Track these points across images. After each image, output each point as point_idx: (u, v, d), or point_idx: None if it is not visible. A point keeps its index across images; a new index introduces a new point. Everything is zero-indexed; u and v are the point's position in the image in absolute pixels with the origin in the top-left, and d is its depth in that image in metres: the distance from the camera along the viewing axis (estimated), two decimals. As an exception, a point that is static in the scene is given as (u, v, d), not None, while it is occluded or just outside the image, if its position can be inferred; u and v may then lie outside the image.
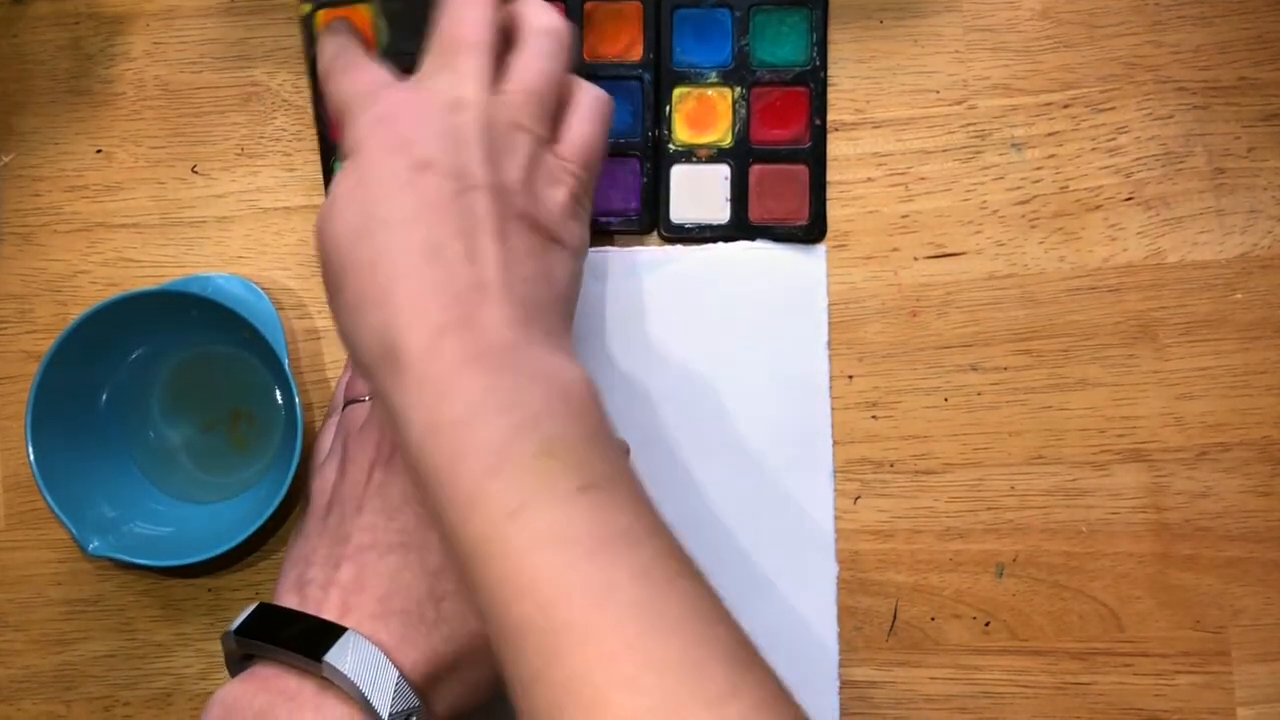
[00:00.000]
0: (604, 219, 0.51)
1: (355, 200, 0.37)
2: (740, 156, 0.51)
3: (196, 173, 0.52)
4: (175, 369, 0.52)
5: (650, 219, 0.51)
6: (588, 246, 0.42)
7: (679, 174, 0.51)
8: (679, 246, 0.51)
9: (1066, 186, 0.51)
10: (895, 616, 0.50)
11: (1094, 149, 0.51)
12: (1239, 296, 0.50)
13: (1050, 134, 0.51)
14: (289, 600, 0.41)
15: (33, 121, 0.53)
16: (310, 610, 0.40)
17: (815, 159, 0.51)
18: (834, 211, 0.51)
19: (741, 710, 0.32)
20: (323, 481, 0.45)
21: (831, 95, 0.51)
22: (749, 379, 0.50)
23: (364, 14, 0.52)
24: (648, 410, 0.50)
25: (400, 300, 0.36)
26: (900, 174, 0.51)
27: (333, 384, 0.51)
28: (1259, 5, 0.51)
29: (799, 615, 0.49)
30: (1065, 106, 0.51)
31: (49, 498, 0.47)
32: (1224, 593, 0.49)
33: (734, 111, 0.51)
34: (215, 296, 0.48)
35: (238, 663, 0.41)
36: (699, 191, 0.51)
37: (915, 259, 0.51)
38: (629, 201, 0.51)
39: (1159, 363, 0.50)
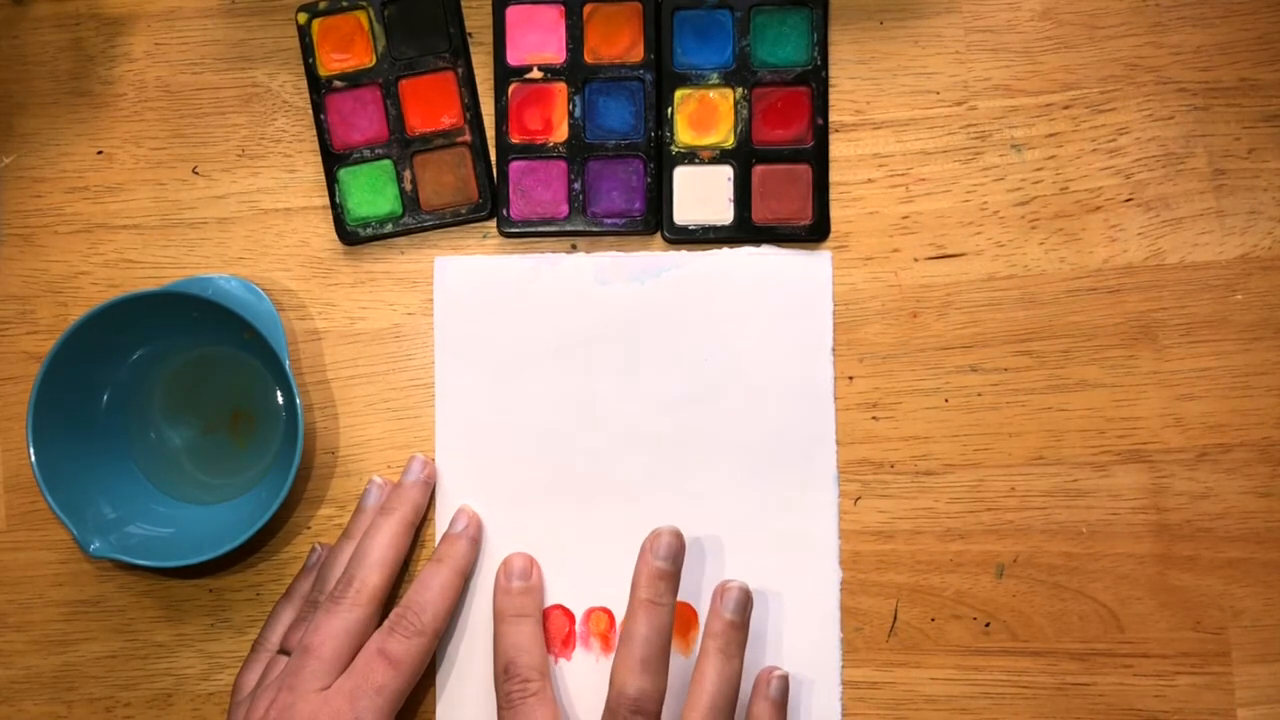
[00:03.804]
0: (608, 221, 0.51)
1: None
2: (743, 157, 0.51)
3: (197, 174, 0.52)
4: (176, 370, 0.52)
5: (654, 221, 0.51)
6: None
7: (682, 175, 0.51)
8: (684, 251, 0.51)
9: (1067, 187, 0.51)
10: (896, 617, 0.50)
11: (1094, 150, 0.51)
12: (1239, 297, 0.50)
13: (1050, 135, 0.51)
14: None
15: (34, 123, 0.53)
16: None
17: (818, 159, 0.51)
18: (834, 212, 0.51)
19: None
20: None
21: (831, 96, 0.51)
22: (754, 383, 0.50)
23: (360, 19, 0.52)
24: (653, 413, 0.50)
25: None
26: (900, 175, 0.51)
27: (333, 385, 0.51)
28: (1260, 6, 0.51)
29: (801, 616, 0.49)
30: (1066, 107, 0.51)
31: (50, 499, 0.47)
32: (1224, 594, 0.49)
33: (736, 112, 0.51)
34: (216, 297, 0.48)
35: None
36: (702, 193, 0.51)
37: (915, 260, 0.51)
38: (632, 203, 0.51)
39: (1159, 364, 0.50)
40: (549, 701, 0.46)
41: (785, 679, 0.48)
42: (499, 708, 0.46)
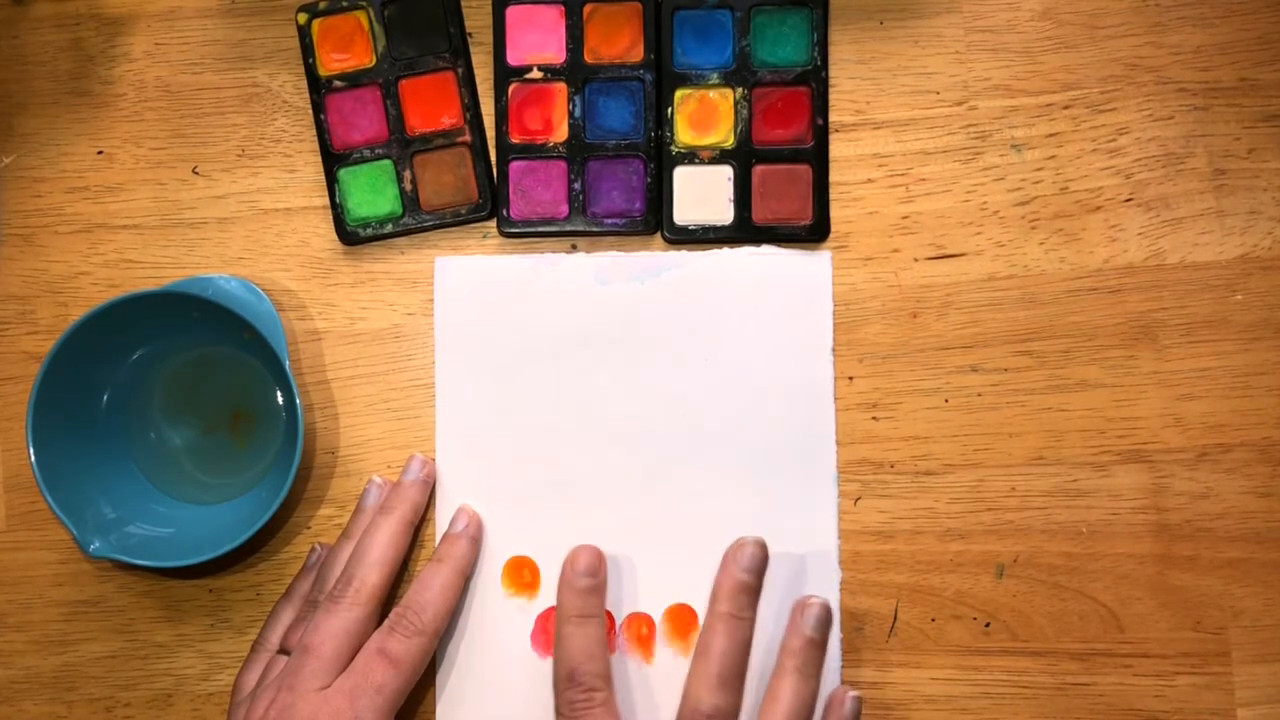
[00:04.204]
0: (608, 221, 0.51)
1: None
2: (743, 157, 0.51)
3: (197, 174, 0.52)
4: (176, 370, 0.52)
5: (654, 221, 0.51)
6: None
7: (682, 175, 0.51)
8: (684, 251, 0.51)
9: (1067, 187, 0.51)
10: (896, 617, 0.50)
11: (1094, 150, 0.51)
12: (1239, 297, 0.50)
13: (1051, 135, 0.51)
14: None
15: (34, 123, 0.53)
16: None
17: (818, 159, 0.51)
18: (834, 213, 0.51)
19: None
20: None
21: (831, 96, 0.51)
22: (754, 383, 0.50)
23: (360, 19, 0.52)
24: (653, 413, 0.50)
25: None
26: (900, 175, 0.51)
27: (333, 385, 0.51)
28: (1259, 6, 0.51)
29: (800, 616, 0.49)
30: (1066, 107, 0.51)
31: (50, 499, 0.47)
32: (1224, 594, 0.49)
33: (736, 112, 0.51)
34: (216, 297, 0.48)
35: None
36: (702, 193, 0.51)
37: (915, 260, 0.51)
38: (632, 203, 0.51)
39: (1159, 364, 0.50)
40: (614, 713, 0.45)
41: (859, 700, 0.46)
42: (558, 714, 0.45)
